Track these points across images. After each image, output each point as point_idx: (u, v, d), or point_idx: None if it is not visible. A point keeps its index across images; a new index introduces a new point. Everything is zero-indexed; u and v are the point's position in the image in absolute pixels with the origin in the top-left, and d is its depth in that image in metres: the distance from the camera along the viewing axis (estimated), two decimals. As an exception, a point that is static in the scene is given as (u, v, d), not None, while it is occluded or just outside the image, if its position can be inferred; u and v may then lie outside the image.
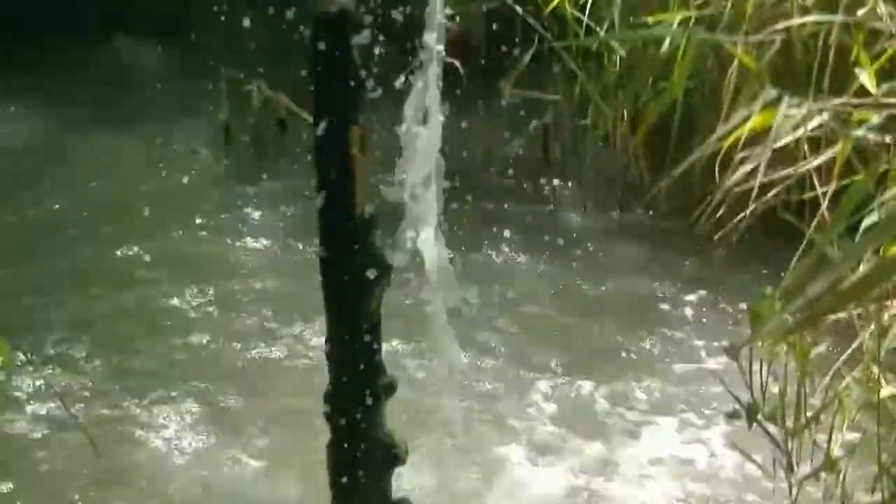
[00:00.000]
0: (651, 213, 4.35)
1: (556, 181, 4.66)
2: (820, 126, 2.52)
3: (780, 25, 3.07)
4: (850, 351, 2.62)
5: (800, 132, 2.50)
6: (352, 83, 1.94)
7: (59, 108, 5.62)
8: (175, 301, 3.81)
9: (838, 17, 3.05)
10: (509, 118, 4.79)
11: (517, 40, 5.02)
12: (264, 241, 4.30)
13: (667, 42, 3.63)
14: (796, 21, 3.20)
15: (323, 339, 2.01)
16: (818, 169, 2.91)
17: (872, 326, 2.44)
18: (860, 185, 2.10)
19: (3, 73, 5.91)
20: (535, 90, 4.69)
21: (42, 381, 3.29)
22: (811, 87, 3.15)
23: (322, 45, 1.92)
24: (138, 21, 6.56)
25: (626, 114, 4.36)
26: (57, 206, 4.62)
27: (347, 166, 1.95)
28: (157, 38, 6.40)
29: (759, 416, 2.47)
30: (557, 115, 4.71)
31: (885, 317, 2.41)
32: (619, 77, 4.37)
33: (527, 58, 4.57)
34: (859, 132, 2.36)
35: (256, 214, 4.51)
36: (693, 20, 3.75)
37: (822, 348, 2.47)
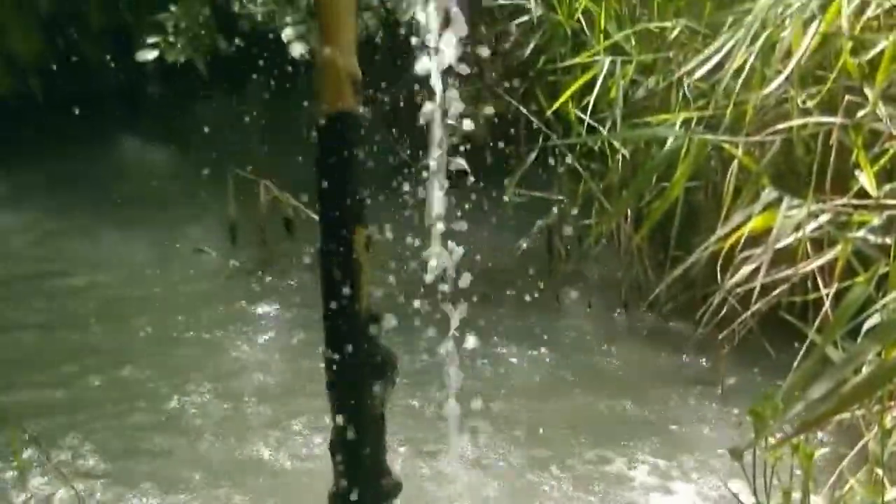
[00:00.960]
0: (655, 311, 4.36)
1: (560, 280, 4.67)
2: (821, 227, 2.53)
3: (781, 126, 3.10)
4: (854, 453, 2.61)
5: (800, 233, 2.51)
6: (357, 184, 1.96)
7: (65, 206, 5.68)
8: (177, 397, 3.82)
9: (838, 119, 3.07)
10: (514, 217, 4.83)
11: (521, 140, 5.09)
12: (269, 339, 4.31)
13: (669, 142, 3.66)
14: (797, 122, 3.23)
15: (327, 437, 2.01)
16: (821, 269, 2.92)
17: (876, 428, 2.43)
18: (860, 288, 2.10)
19: (10, 169, 5.99)
20: (539, 189, 4.73)
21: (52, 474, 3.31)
22: (812, 186, 3.17)
23: (326, 146, 1.95)
24: (147, 120, 6.65)
25: (629, 212, 4.39)
26: (61, 306, 4.64)
27: (352, 267, 1.96)
28: (165, 138, 6.48)
29: (764, 519, 2.45)
30: (561, 213, 4.73)
31: (889, 419, 2.41)
32: (623, 176, 4.41)
33: (531, 157, 4.61)
34: (859, 234, 2.38)
35: (261, 312, 4.53)
36: (695, 120, 3.79)
37: (826, 449, 2.46)
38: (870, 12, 3.28)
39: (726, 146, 3.51)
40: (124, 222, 5.47)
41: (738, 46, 3.38)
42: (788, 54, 3.26)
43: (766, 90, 3.23)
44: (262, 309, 4.55)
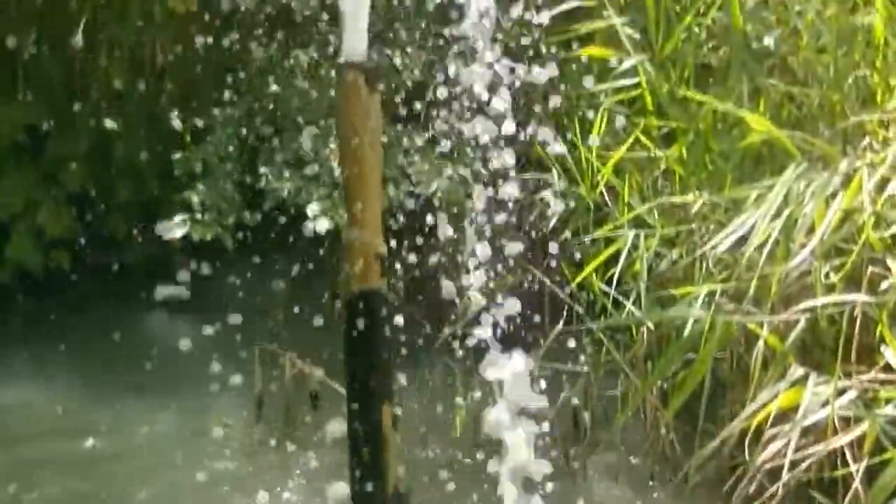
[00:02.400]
0: (683, 485, 4.30)
1: (587, 452, 4.63)
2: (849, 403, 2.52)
3: (804, 305, 3.11)
4: None
5: (828, 410, 2.50)
6: (384, 360, 1.98)
7: (90, 377, 5.69)
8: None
9: (862, 297, 3.09)
10: (539, 389, 4.80)
11: (545, 312, 5.10)
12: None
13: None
14: (821, 301, 3.24)
15: None
16: (850, 444, 2.89)
17: None
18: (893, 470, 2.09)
19: (34, 340, 6.02)
20: (564, 361, 4.72)
21: None
22: (838, 359, 3.16)
23: (353, 323, 1.97)
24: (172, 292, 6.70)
25: (655, 385, 4.38)
26: (84, 482, 4.62)
27: (379, 445, 1.96)
28: (191, 310, 6.52)
29: None
30: (587, 385, 4.72)
31: None
32: (648, 348, 4.41)
33: (555, 330, 4.62)
34: (887, 410, 2.37)
35: (287, 488, 4.49)
36: (718, 292, 3.81)
37: None
38: (892, 188, 3.33)
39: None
40: (148, 395, 5.47)
41: (760, 222, 3.42)
42: (811, 229, 3.30)
43: (790, 265, 3.26)
44: (285, 487, 4.51)
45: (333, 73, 4.73)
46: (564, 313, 4.68)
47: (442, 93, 3.59)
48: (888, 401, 2.48)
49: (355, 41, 3.12)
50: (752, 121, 3.98)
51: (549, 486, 2.44)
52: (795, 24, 4.43)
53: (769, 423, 2.90)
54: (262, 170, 5.50)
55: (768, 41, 4.56)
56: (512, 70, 3.29)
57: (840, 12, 4.24)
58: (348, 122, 2.85)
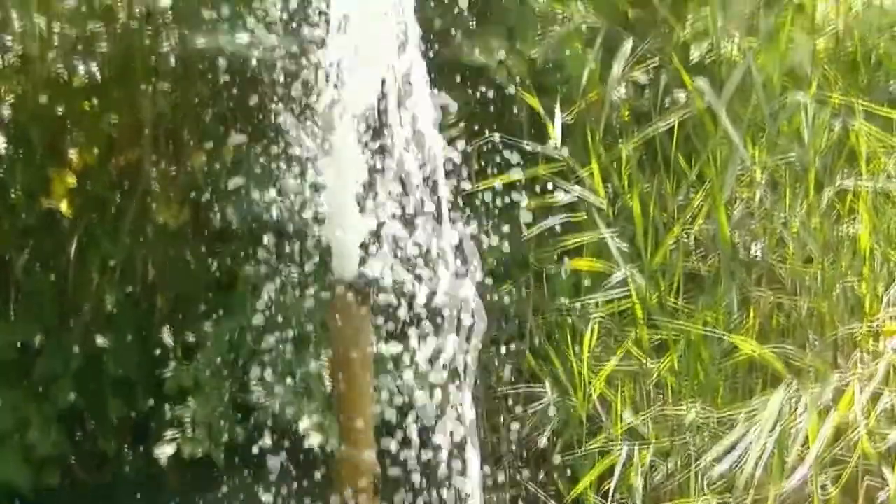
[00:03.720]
0: None
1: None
2: None
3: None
4: None
5: None
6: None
7: None
8: None
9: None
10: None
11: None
12: None
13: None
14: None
15: None
16: None
17: None
18: None
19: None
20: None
21: None
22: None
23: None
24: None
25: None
26: None
27: None
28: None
29: None
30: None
31: None
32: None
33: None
34: None
35: None
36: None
37: None
38: (885, 402, 3.34)
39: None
40: None
41: (754, 441, 3.42)
42: (806, 442, 3.29)
43: (787, 483, 3.25)
44: None
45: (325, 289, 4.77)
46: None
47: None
48: None
49: (346, 259, 3.17)
50: (743, 344, 4.03)
51: None
52: (781, 233, 4.50)
53: None
54: (254, 385, 5.49)
55: (755, 251, 4.63)
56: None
57: (825, 222, 4.32)
58: (340, 340, 2.86)
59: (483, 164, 5.16)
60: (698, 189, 4.62)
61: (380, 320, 3.31)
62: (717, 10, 4.79)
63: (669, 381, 4.47)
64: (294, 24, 5.11)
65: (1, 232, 5.98)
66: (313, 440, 5.32)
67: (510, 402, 5.57)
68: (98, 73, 5.97)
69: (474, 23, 5.74)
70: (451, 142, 3.68)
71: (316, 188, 3.72)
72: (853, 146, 4.32)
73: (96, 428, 6.50)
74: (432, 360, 3.24)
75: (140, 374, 6.17)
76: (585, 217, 4.77)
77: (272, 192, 5.26)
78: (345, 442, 2.12)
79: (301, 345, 5.29)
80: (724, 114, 4.34)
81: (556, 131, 4.71)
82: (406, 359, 3.80)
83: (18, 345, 6.15)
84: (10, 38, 5.90)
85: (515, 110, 5.40)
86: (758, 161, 4.52)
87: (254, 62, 5.36)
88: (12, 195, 6.04)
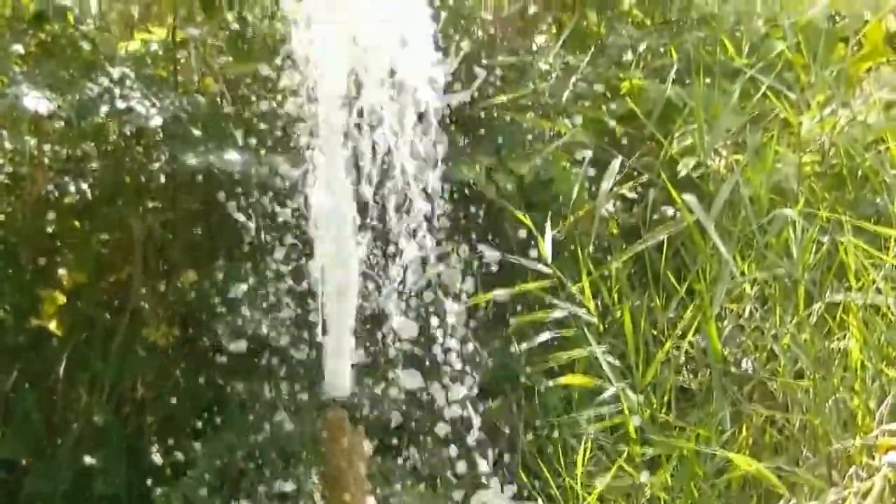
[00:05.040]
0: None
1: None
2: None
3: None
4: None
5: None
6: None
7: None
8: None
9: None
10: None
11: None
12: None
13: None
14: None
15: None
16: None
17: None
18: None
19: None
20: None
21: None
22: None
23: None
24: None
25: None
26: None
27: None
28: None
29: None
30: None
31: None
32: None
33: None
34: None
35: None
36: None
37: None
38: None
39: None
40: None
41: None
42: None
43: None
44: None
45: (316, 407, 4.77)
46: None
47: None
48: None
49: (339, 377, 3.16)
50: (738, 459, 4.01)
51: None
52: (772, 347, 4.50)
53: None
54: (244, 504, 5.45)
55: (747, 365, 4.63)
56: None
57: (815, 336, 4.32)
58: (334, 458, 2.84)
59: (473, 277, 5.20)
60: (688, 303, 4.64)
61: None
62: (703, 126, 4.84)
63: (663, 498, 4.44)
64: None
65: (-13, 352, 5.96)
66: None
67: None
68: (89, 192, 6.01)
69: (463, 139, 5.83)
70: (440, 258, 3.72)
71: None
72: (842, 260, 4.34)
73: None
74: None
75: (129, 493, 6.11)
76: (576, 332, 4.77)
77: (264, 310, 5.28)
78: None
79: (293, 463, 5.25)
80: (713, 229, 4.37)
81: (546, 248, 4.73)
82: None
83: (4, 463, 6.10)
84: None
85: (505, 226, 5.45)
86: (747, 275, 4.54)
87: (241, 178, 5.42)
88: (1, 314, 6.03)
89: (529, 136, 5.84)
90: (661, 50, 6.23)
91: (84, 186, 6.01)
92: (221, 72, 5.96)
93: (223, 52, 6.16)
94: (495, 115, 5.81)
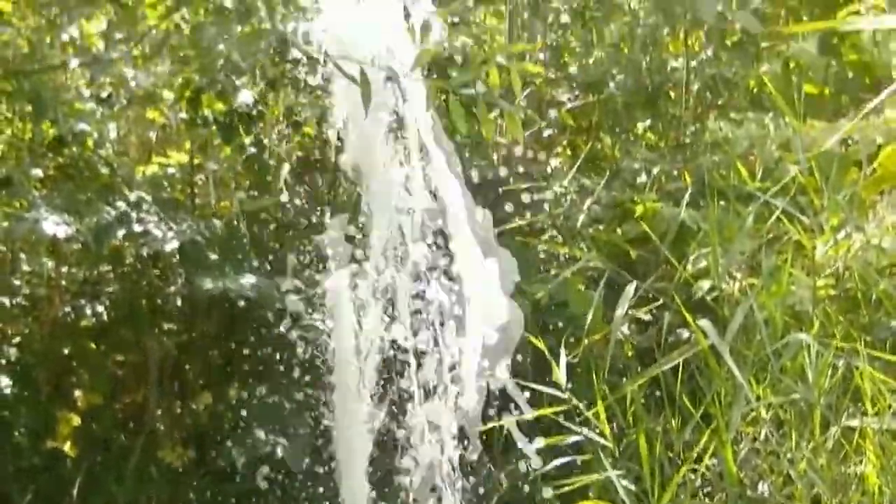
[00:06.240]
0: None
1: None
2: None
3: None
4: None
5: None
6: None
7: None
8: None
9: None
10: None
11: None
12: None
13: None
14: None
15: None
16: None
17: None
18: None
19: None
20: None
21: None
22: None
23: None
24: None
25: None
26: None
27: None
28: None
29: None
30: None
31: None
32: None
33: None
34: None
35: None
36: None
37: None
38: None
39: None
40: None
41: None
42: None
43: None
44: None
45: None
46: None
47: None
48: None
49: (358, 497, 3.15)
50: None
51: None
52: (788, 471, 4.46)
53: None
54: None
55: (763, 489, 4.58)
56: None
57: (832, 461, 4.28)
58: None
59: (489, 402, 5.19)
60: (704, 427, 4.60)
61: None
62: (717, 250, 4.85)
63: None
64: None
65: (4, 472, 5.94)
66: None
67: None
68: (105, 314, 6.05)
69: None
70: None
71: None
72: (858, 385, 4.32)
73: None
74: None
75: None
76: (592, 456, 4.74)
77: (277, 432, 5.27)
78: None
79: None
80: (728, 353, 4.35)
81: (561, 374, 4.72)
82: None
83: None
84: (17, 280, 6.00)
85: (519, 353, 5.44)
86: (762, 399, 4.51)
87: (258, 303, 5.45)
88: (16, 435, 6.02)
89: (542, 256, 5.87)
90: (675, 173, 6.28)
91: (100, 308, 6.04)
92: (241, 206, 6.02)
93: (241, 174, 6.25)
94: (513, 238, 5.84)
